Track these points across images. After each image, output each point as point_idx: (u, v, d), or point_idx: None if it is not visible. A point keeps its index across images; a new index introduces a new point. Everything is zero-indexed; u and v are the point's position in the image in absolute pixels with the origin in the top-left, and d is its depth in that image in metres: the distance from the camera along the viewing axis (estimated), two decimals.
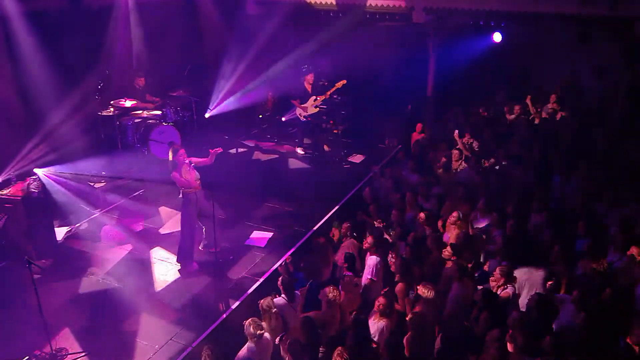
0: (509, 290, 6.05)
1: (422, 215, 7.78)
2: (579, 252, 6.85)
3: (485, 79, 12.57)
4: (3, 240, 7.70)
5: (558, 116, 11.04)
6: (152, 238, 8.62)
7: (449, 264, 6.57)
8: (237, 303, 7.08)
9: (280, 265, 7.50)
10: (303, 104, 11.86)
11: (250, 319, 5.39)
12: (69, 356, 6.16)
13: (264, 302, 5.81)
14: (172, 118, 11.30)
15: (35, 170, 8.78)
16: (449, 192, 8.73)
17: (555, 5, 9.86)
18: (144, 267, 7.87)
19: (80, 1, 10.49)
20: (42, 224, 7.94)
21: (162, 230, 8.87)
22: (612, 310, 5.71)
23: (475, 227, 7.80)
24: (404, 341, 5.35)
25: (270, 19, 12.31)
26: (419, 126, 11.57)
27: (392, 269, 6.61)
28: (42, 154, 9.43)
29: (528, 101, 11.42)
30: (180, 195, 7.70)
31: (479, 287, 6.27)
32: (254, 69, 12.58)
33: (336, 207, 9.46)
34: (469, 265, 6.64)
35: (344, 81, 11.49)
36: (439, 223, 8.01)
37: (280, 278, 6.33)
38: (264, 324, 5.53)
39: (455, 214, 7.56)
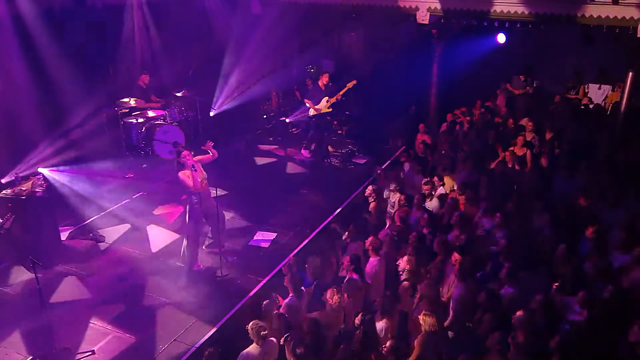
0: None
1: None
2: (583, 252, 6.83)
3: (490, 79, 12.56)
4: (8, 239, 7.72)
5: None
6: (156, 238, 8.63)
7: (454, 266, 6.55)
8: (240, 303, 7.09)
9: (284, 265, 7.48)
10: (316, 104, 11.68)
11: (253, 322, 5.33)
12: (72, 356, 6.17)
13: (267, 304, 5.81)
14: (176, 118, 11.32)
15: (40, 169, 8.81)
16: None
17: (559, 7, 9.80)
18: (148, 267, 7.88)
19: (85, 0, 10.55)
20: (46, 223, 7.96)
21: (167, 230, 8.88)
22: (616, 310, 5.69)
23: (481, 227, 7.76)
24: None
25: (274, 19, 12.30)
26: (421, 126, 11.54)
27: (399, 268, 6.58)
28: (52, 153, 9.54)
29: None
30: (186, 196, 7.72)
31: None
32: (258, 68, 12.58)
33: (340, 208, 9.45)
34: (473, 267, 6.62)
35: (355, 81, 11.41)
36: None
37: (288, 275, 6.24)
38: (267, 325, 5.51)
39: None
